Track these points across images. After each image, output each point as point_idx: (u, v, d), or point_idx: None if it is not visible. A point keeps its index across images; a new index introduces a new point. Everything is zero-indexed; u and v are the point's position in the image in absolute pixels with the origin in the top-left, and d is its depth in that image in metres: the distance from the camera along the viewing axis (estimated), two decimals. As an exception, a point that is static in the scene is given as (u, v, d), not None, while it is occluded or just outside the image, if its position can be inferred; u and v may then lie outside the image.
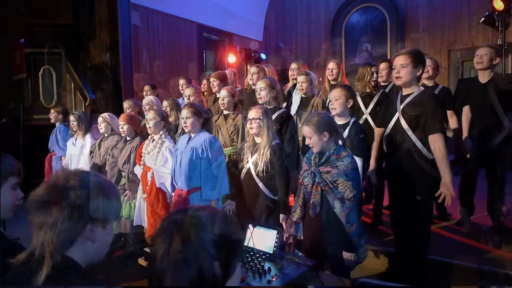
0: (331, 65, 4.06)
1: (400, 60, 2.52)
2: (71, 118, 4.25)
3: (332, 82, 4.04)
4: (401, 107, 2.57)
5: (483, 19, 5.32)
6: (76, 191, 0.96)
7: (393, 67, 2.59)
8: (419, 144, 2.51)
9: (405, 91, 2.61)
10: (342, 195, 2.24)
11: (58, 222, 0.94)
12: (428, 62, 3.63)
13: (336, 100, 2.84)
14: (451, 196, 2.40)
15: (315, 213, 2.32)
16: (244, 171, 2.83)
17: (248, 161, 2.79)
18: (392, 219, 2.87)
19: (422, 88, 2.60)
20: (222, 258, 0.89)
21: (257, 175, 2.75)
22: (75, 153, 4.23)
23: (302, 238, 2.44)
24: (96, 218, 1.00)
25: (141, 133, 3.69)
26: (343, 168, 2.25)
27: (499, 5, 4.88)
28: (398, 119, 2.59)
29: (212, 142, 2.89)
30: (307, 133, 2.33)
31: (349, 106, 2.90)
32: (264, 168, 2.69)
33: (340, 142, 2.41)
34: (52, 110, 4.95)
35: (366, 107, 3.60)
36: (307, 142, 2.38)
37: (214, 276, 0.87)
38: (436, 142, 2.43)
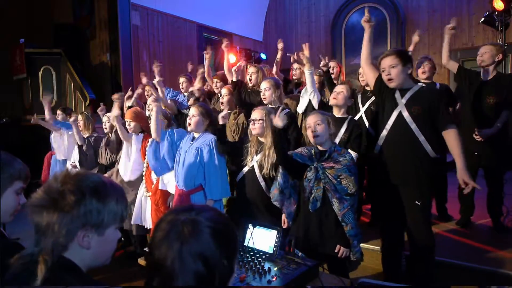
0: (332, 64, 4.12)
1: (388, 61, 2.45)
2: (80, 117, 4.29)
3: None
4: (404, 101, 2.48)
5: (483, 19, 5.32)
6: (67, 196, 0.94)
7: (381, 69, 2.51)
8: (422, 138, 2.42)
9: (405, 86, 2.52)
10: (346, 190, 2.26)
11: (49, 227, 0.94)
12: (425, 61, 3.68)
13: (340, 92, 3.05)
14: (465, 182, 2.30)
15: (315, 208, 2.33)
16: (245, 168, 2.82)
17: (252, 160, 2.78)
18: (384, 218, 2.79)
19: (421, 84, 2.56)
20: (229, 256, 0.91)
21: (262, 175, 2.75)
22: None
23: (295, 234, 2.44)
24: (89, 224, 0.97)
25: (147, 130, 3.68)
26: (346, 164, 2.29)
27: (499, 5, 4.88)
28: (400, 114, 2.48)
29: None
30: (318, 119, 2.36)
31: (349, 104, 3.14)
32: (270, 170, 2.69)
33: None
34: (58, 112, 4.94)
35: (363, 105, 3.62)
36: (312, 130, 2.37)
37: (224, 275, 0.89)
38: (450, 135, 2.39)
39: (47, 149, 5.01)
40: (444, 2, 7.58)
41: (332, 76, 4.09)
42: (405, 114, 2.46)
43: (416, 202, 2.48)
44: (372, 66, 2.67)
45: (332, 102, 3.10)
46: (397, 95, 2.53)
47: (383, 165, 2.62)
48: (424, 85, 2.59)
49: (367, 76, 2.77)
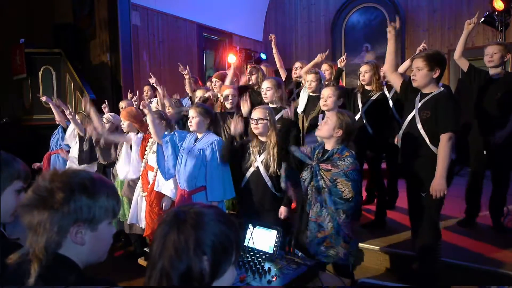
0: (324, 66, 4.13)
1: (416, 63, 2.56)
2: (77, 117, 4.29)
3: (325, 83, 4.06)
4: (419, 104, 2.59)
5: (483, 19, 5.31)
6: (56, 193, 0.95)
7: (412, 69, 2.65)
8: (429, 142, 2.51)
9: (424, 90, 2.61)
10: (340, 194, 2.24)
11: (40, 225, 0.94)
12: None
13: (329, 97, 3.04)
14: (437, 192, 2.40)
15: (311, 209, 2.34)
16: (251, 169, 2.79)
17: (256, 160, 2.77)
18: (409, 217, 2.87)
19: (441, 89, 2.58)
20: (213, 257, 0.91)
21: (269, 175, 2.75)
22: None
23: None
24: (81, 220, 0.97)
25: (142, 130, 3.67)
26: (343, 168, 2.27)
27: (499, 5, 4.87)
28: (413, 117, 2.60)
29: (221, 144, 2.90)
30: (328, 116, 2.41)
31: (339, 104, 3.13)
32: (277, 168, 2.70)
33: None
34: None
35: (363, 105, 3.60)
36: (319, 123, 2.45)
37: (201, 272, 0.90)
38: (442, 140, 2.44)
39: (47, 149, 5.01)
40: (444, 2, 7.58)
41: (326, 77, 4.06)
42: (417, 118, 2.57)
43: (421, 193, 2.53)
44: (396, 74, 2.86)
45: (323, 108, 3.10)
46: (417, 98, 2.63)
47: (402, 159, 2.75)
48: (443, 89, 2.60)
49: (393, 82, 2.94)
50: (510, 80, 3.29)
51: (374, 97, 3.57)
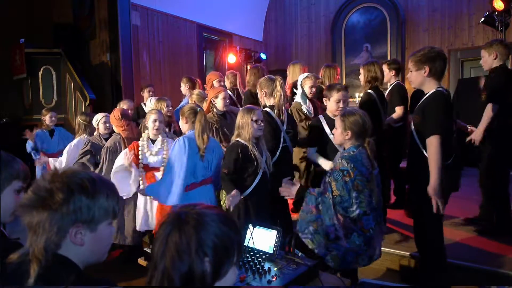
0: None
1: (408, 65, 2.57)
2: (80, 118, 4.29)
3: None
4: (416, 107, 2.60)
5: (483, 19, 5.31)
6: (55, 194, 0.95)
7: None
8: (421, 145, 2.47)
9: (425, 91, 2.56)
10: (334, 200, 2.20)
11: (40, 225, 0.94)
12: None
13: (344, 102, 2.97)
14: (435, 202, 2.28)
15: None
16: (260, 172, 2.72)
17: (261, 162, 2.70)
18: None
19: (435, 89, 2.48)
20: (214, 258, 0.91)
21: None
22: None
23: None
24: (80, 220, 0.97)
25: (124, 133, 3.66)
26: (336, 169, 2.24)
27: (499, 5, 4.87)
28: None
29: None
30: (336, 122, 2.40)
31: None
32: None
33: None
34: (47, 117, 4.79)
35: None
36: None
37: (203, 273, 0.90)
38: (429, 145, 2.34)
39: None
40: (444, 2, 7.57)
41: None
42: (412, 123, 2.57)
43: (413, 194, 2.58)
44: None
45: (337, 113, 2.92)
46: None
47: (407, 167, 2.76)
48: (436, 90, 2.48)
49: None
50: (491, 79, 3.34)
51: (360, 98, 3.61)
